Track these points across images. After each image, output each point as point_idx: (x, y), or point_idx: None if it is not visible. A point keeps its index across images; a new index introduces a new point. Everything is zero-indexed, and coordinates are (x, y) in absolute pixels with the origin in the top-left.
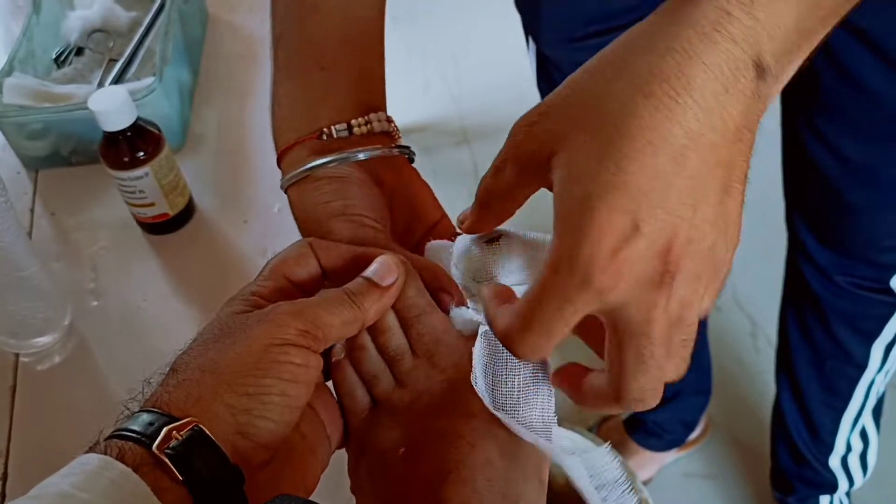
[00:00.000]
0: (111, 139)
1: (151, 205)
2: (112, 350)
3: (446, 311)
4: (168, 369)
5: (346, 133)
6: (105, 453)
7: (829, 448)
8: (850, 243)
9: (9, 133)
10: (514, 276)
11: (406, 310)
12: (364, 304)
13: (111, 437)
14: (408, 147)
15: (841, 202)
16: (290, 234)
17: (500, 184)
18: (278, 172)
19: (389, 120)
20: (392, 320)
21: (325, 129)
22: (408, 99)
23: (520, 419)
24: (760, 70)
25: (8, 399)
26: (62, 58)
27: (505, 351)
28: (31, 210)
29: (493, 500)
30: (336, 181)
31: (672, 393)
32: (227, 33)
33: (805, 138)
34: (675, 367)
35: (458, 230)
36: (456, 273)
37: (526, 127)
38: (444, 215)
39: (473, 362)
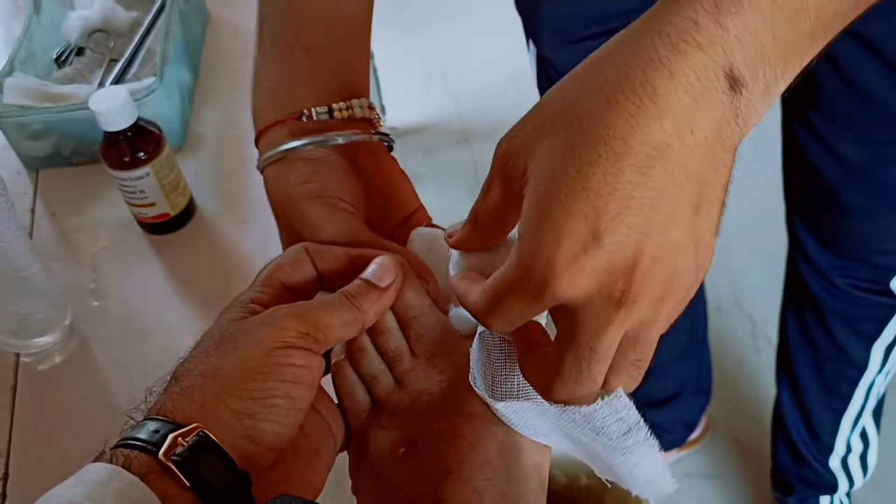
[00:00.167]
0: (112, 139)
1: (152, 205)
2: (113, 350)
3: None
4: (169, 377)
5: (326, 116)
6: (111, 462)
7: (830, 449)
8: (850, 245)
9: (9, 133)
10: None
11: (405, 311)
12: (363, 305)
13: (117, 446)
14: (388, 135)
15: (840, 204)
16: None
17: (488, 203)
18: None
19: (371, 107)
20: (391, 321)
21: (305, 111)
22: (408, 99)
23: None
24: (733, 81)
25: (8, 399)
26: (63, 58)
27: (503, 350)
28: (32, 210)
29: (492, 499)
30: (313, 163)
31: (672, 393)
32: (228, 33)
33: (804, 140)
34: (622, 383)
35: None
36: (454, 273)
37: (505, 142)
38: (421, 206)
39: (471, 362)
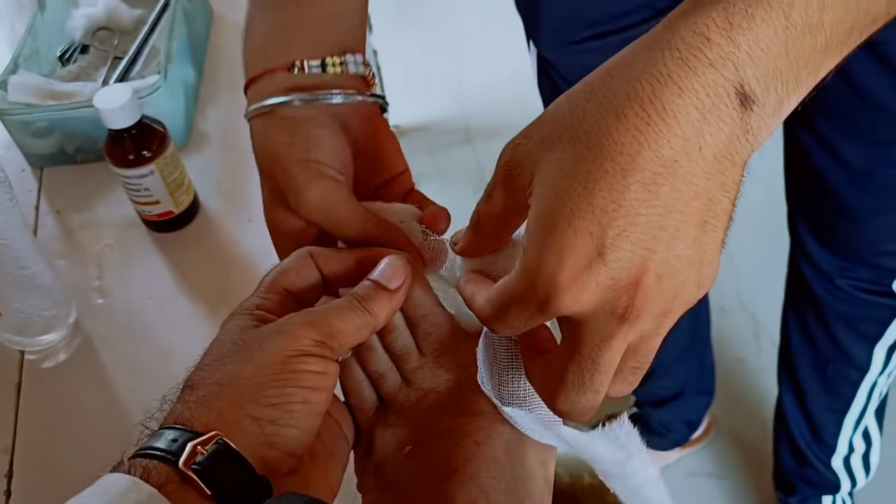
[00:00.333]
0: (116, 137)
1: (156, 203)
2: (117, 348)
3: None
4: (182, 386)
5: (318, 70)
6: (130, 473)
7: (832, 449)
8: (852, 247)
9: (14, 131)
10: None
11: (413, 309)
12: (374, 308)
13: (135, 455)
14: (382, 96)
15: (842, 206)
16: None
17: (490, 209)
18: None
19: (366, 64)
20: (399, 320)
21: (297, 62)
22: (411, 98)
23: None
24: (744, 98)
25: (13, 396)
26: (67, 56)
27: (510, 350)
28: (36, 208)
29: (498, 497)
30: (302, 124)
31: (675, 392)
32: (232, 32)
33: (806, 142)
34: (618, 389)
35: (452, 250)
36: (460, 276)
37: (511, 149)
38: (407, 170)
39: (479, 361)
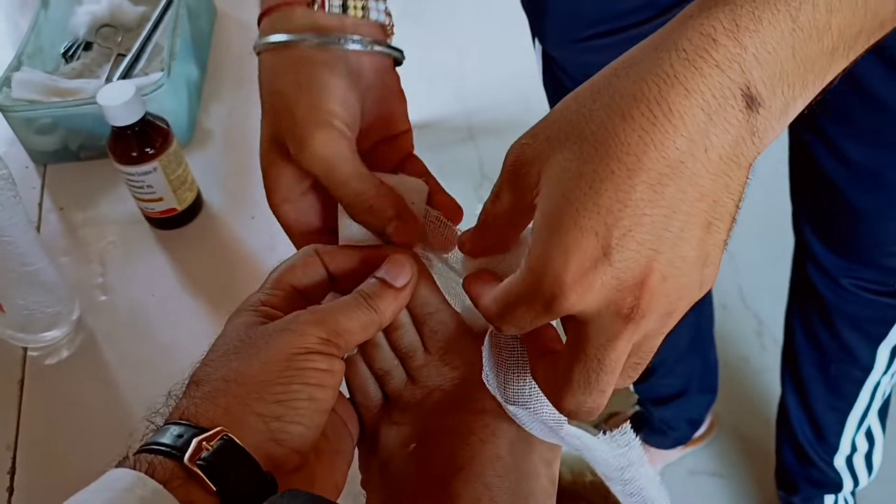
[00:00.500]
0: (119, 134)
1: (159, 200)
2: (120, 345)
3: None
4: (188, 381)
5: (339, 10)
6: (135, 468)
7: (834, 448)
8: (857, 247)
9: (17, 128)
10: None
11: (419, 307)
12: (380, 306)
13: (140, 450)
14: (400, 50)
15: (847, 206)
16: None
17: (498, 209)
18: None
19: (388, 12)
20: (405, 317)
21: None
22: (413, 96)
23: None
24: (750, 100)
25: (16, 393)
26: (70, 52)
27: (515, 349)
28: (40, 205)
29: (502, 495)
30: (317, 67)
31: (678, 390)
32: (235, 29)
33: (811, 142)
34: (618, 383)
35: (460, 251)
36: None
37: (517, 149)
38: (409, 130)
39: (484, 360)
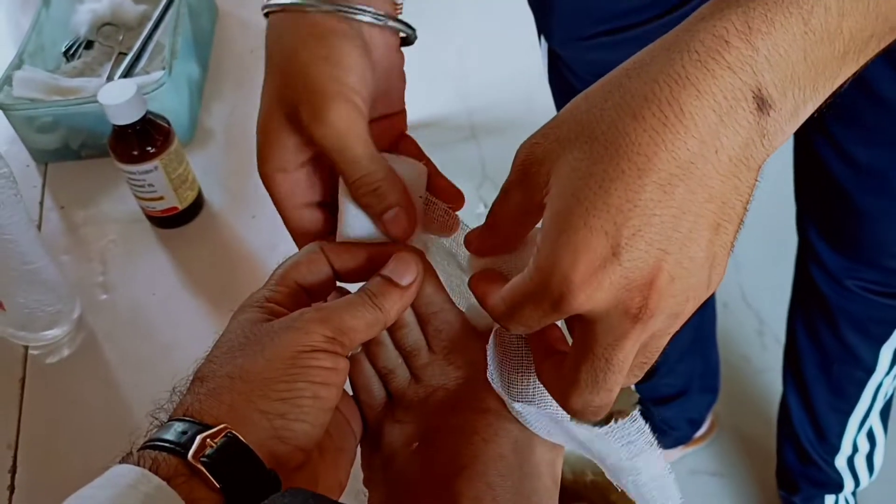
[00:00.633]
0: (120, 133)
1: (160, 198)
2: (120, 343)
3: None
4: (192, 378)
5: None
6: (139, 464)
7: (836, 449)
8: (861, 248)
9: (19, 126)
10: None
11: (424, 306)
12: (385, 305)
13: (144, 447)
14: (413, 29)
15: (852, 207)
16: None
17: (507, 208)
18: None
19: None
20: (409, 316)
21: None
22: (415, 94)
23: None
24: (761, 102)
25: (17, 392)
26: (72, 51)
27: (520, 349)
28: (41, 203)
29: (505, 494)
30: (333, 36)
31: (679, 390)
32: (237, 28)
33: (817, 143)
34: (625, 382)
35: (466, 250)
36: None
37: (527, 148)
38: (404, 110)
39: (488, 359)
